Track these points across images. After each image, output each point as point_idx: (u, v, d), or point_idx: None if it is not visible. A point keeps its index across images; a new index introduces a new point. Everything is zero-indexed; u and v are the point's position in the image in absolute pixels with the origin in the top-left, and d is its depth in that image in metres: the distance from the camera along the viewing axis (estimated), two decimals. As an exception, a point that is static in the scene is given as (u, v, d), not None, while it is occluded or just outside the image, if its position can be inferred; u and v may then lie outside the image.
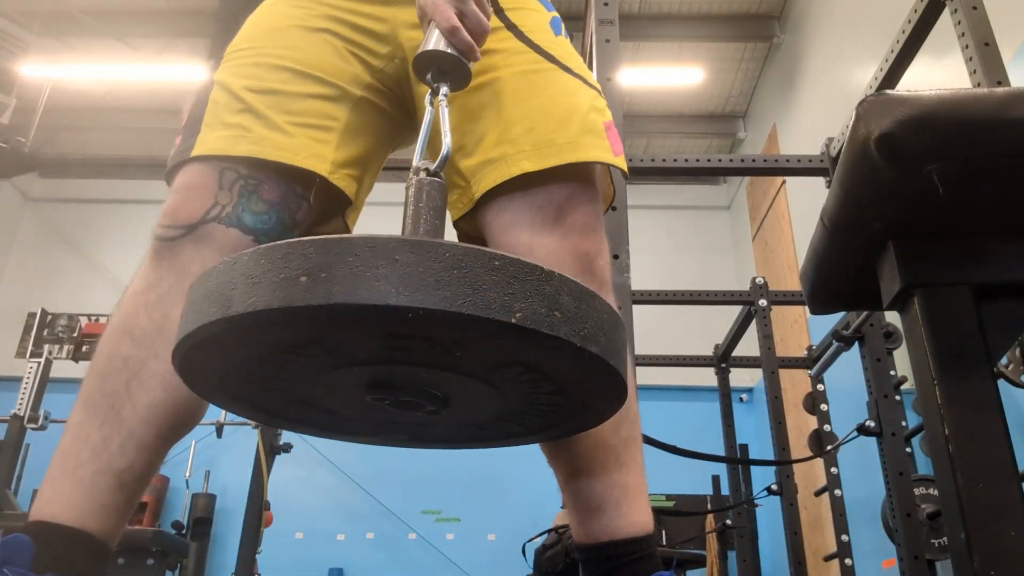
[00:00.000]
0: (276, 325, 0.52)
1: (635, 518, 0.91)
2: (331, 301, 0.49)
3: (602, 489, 0.90)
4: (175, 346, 0.57)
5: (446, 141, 0.74)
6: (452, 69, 0.81)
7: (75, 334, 4.58)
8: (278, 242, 0.52)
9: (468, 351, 0.58)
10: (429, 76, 0.80)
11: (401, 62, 0.99)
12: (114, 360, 0.82)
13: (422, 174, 0.69)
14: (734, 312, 3.76)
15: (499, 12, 0.95)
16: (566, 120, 0.90)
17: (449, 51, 0.80)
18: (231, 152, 0.88)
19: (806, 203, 5.24)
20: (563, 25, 1.02)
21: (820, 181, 2.37)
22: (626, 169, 0.96)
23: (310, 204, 0.93)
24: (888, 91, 0.62)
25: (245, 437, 5.11)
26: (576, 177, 0.91)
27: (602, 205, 0.97)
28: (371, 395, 0.64)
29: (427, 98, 0.79)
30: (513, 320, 0.50)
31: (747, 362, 4.10)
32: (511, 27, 0.95)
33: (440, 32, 0.81)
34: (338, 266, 0.49)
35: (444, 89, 0.80)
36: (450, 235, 0.67)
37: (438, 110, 0.78)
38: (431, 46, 0.80)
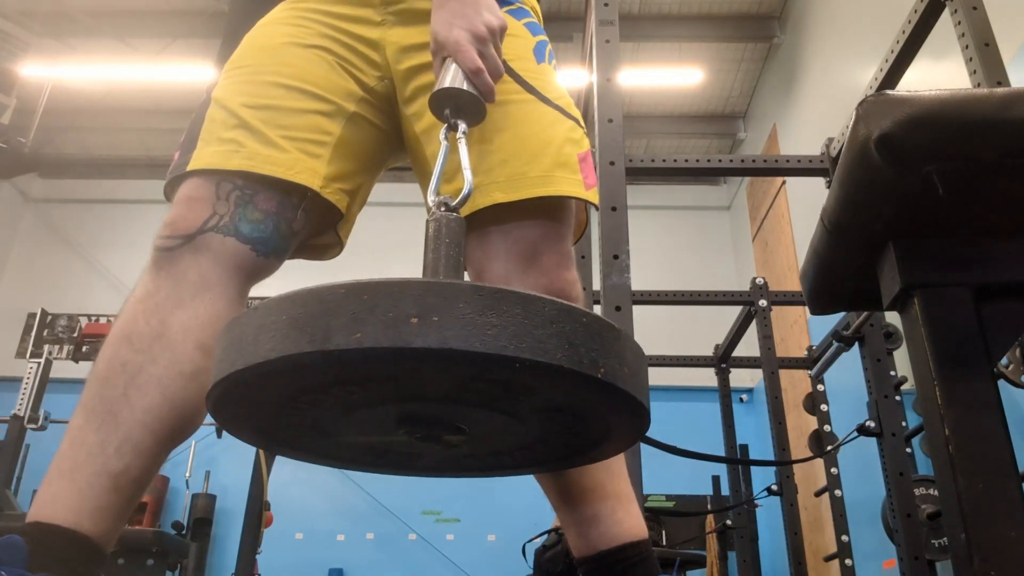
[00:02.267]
0: (376, 362, 0.52)
1: (631, 523, 0.93)
2: (446, 346, 0.49)
3: (596, 500, 0.93)
4: (234, 371, 0.53)
5: (468, 178, 0.75)
6: (469, 107, 0.81)
7: (75, 334, 4.59)
8: (378, 279, 0.51)
9: (532, 396, 0.59)
10: (447, 112, 0.81)
11: (390, 82, 1.00)
12: (113, 365, 0.83)
13: (443, 209, 0.70)
14: (734, 312, 3.76)
15: None
16: (540, 153, 0.91)
17: (467, 89, 0.81)
18: (224, 166, 0.89)
19: (806, 203, 5.25)
20: (548, 48, 1.02)
21: (820, 181, 2.37)
22: (597, 202, 0.98)
23: (307, 215, 0.94)
24: (888, 91, 0.62)
25: (245, 437, 5.10)
26: (548, 211, 0.93)
27: (572, 238, 0.99)
28: (403, 428, 0.63)
29: (442, 133, 0.80)
30: (599, 375, 0.52)
31: (747, 362, 4.10)
32: None
33: (462, 71, 0.82)
34: (449, 312, 0.50)
35: (463, 126, 0.80)
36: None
37: (454, 145, 0.78)
38: (448, 83, 0.81)
